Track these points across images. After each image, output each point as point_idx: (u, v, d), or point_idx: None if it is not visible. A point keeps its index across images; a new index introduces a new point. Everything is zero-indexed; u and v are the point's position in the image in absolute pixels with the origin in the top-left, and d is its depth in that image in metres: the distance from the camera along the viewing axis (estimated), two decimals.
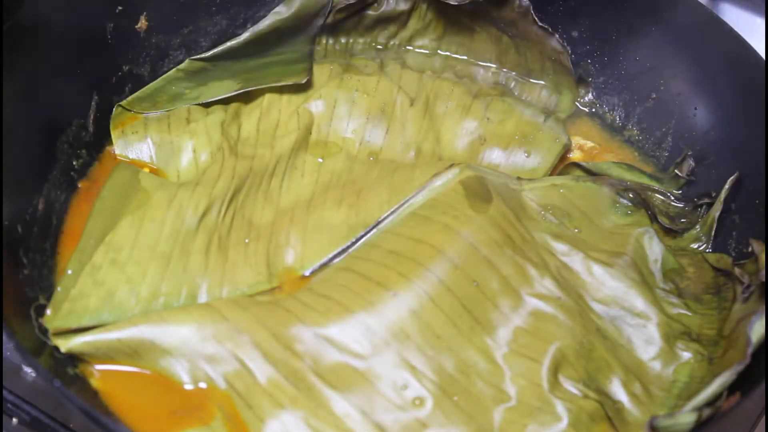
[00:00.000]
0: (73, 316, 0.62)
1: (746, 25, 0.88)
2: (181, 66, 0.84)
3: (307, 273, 0.70)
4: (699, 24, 0.81)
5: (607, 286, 0.70)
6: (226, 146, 0.77)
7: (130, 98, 0.81)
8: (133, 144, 0.78)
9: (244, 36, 0.84)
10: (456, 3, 0.86)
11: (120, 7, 0.78)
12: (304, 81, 0.81)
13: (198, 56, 0.84)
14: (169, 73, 0.84)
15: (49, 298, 0.65)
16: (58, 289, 0.65)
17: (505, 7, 0.85)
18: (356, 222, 0.72)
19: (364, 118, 0.82)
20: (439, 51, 0.92)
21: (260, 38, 0.84)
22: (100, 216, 0.70)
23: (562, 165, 0.84)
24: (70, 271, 0.66)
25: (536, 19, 0.85)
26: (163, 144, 0.77)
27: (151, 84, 0.83)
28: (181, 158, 0.77)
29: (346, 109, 0.82)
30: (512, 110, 0.85)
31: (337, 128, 0.82)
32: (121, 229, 0.68)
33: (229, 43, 0.84)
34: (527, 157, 0.83)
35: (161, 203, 0.71)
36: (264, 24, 0.84)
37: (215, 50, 0.84)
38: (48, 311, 0.63)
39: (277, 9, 0.84)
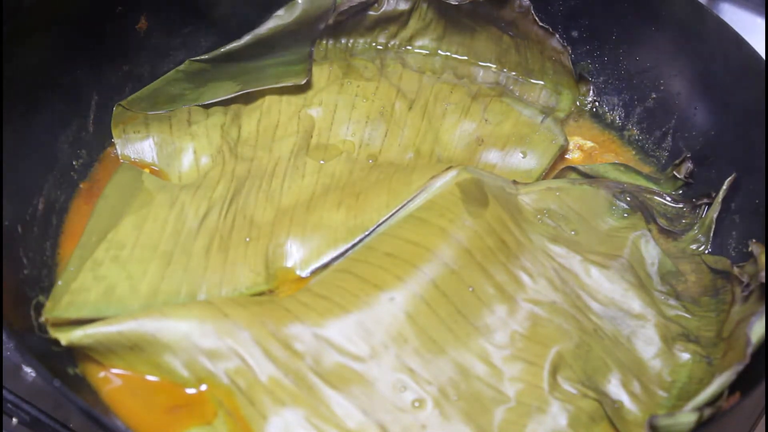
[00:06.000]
0: (72, 308, 0.63)
1: (746, 25, 0.88)
2: (181, 67, 0.84)
3: (305, 274, 0.70)
4: (699, 24, 0.81)
5: (605, 288, 0.70)
6: (226, 149, 0.77)
7: (129, 98, 0.81)
8: (135, 143, 0.78)
9: (246, 38, 0.84)
10: (456, 2, 0.86)
11: (120, 7, 0.78)
12: (303, 82, 0.81)
13: (198, 57, 0.84)
14: (168, 73, 0.84)
15: (48, 298, 0.65)
16: (59, 282, 0.65)
17: (506, 7, 0.85)
18: (355, 224, 0.72)
19: (364, 121, 0.82)
20: (439, 51, 0.92)
21: (261, 41, 0.84)
22: (103, 214, 0.71)
23: (560, 166, 0.84)
24: (71, 268, 0.66)
25: (537, 19, 0.85)
26: (164, 144, 0.77)
27: (151, 84, 0.83)
28: (183, 160, 0.77)
29: (346, 113, 0.82)
30: (510, 111, 0.85)
31: (337, 132, 0.82)
32: (123, 227, 0.69)
33: (229, 46, 0.84)
34: (523, 158, 0.83)
35: (164, 204, 0.71)
36: (265, 27, 0.84)
37: (215, 52, 0.84)
38: (47, 303, 0.63)
39: (278, 12, 0.84)
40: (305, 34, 0.86)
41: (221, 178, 0.75)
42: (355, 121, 0.82)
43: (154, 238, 0.69)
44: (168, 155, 0.77)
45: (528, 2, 0.84)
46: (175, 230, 0.70)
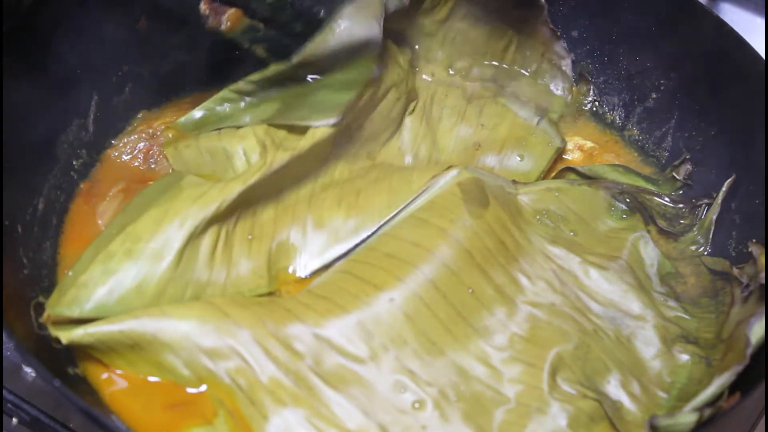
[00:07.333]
0: (76, 304, 0.62)
1: (746, 25, 0.88)
2: (234, 86, 0.77)
3: (307, 275, 0.70)
4: (699, 24, 0.81)
5: (604, 289, 0.70)
6: (269, 142, 0.75)
7: (177, 121, 0.78)
8: (188, 158, 0.77)
9: (298, 57, 0.74)
10: None
11: (120, 7, 0.78)
12: (333, 122, 0.74)
13: (251, 78, 0.76)
14: (217, 95, 0.78)
15: (48, 298, 0.65)
16: (69, 273, 0.64)
17: (525, 7, 0.83)
18: (355, 225, 0.72)
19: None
20: (437, 35, 0.87)
21: (308, 62, 0.75)
22: (130, 210, 0.69)
23: (559, 167, 0.84)
24: (85, 257, 0.65)
25: (549, 20, 0.84)
26: (216, 153, 0.76)
27: (197, 109, 0.78)
28: (236, 163, 0.75)
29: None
30: (506, 113, 0.85)
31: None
32: (143, 221, 0.66)
33: (274, 68, 0.75)
34: (521, 160, 0.83)
35: (189, 199, 0.68)
36: (316, 42, 0.74)
37: (268, 70, 0.75)
38: (53, 294, 0.63)
39: (325, 26, 0.74)
40: (355, 53, 0.75)
41: (259, 169, 0.71)
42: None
43: (170, 234, 0.66)
44: (222, 161, 0.76)
45: (544, 2, 0.82)
46: (192, 224, 0.67)
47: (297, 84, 0.76)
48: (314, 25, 0.75)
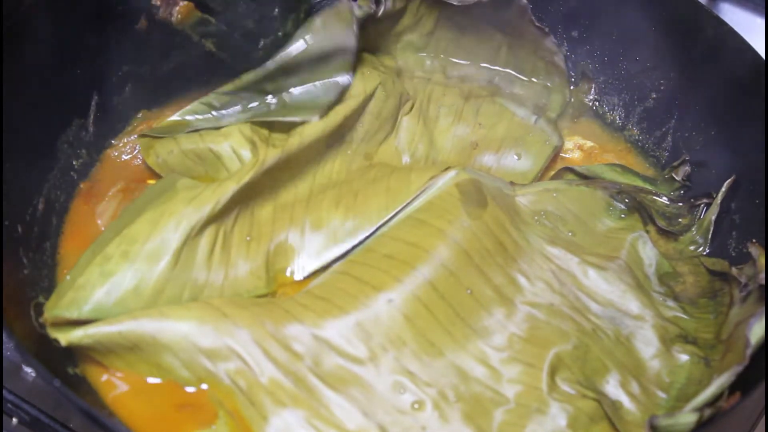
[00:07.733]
0: (74, 306, 0.62)
1: (746, 25, 0.87)
2: (204, 99, 0.79)
3: (305, 276, 0.70)
4: (699, 24, 0.81)
5: (602, 289, 0.70)
6: (258, 139, 0.75)
7: (150, 130, 0.79)
8: (175, 164, 0.76)
9: (270, 65, 0.77)
10: (458, 3, 0.83)
11: (120, 7, 0.78)
12: (316, 119, 0.75)
13: (222, 89, 0.78)
14: (190, 106, 0.79)
15: (48, 298, 0.65)
16: (67, 277, 0.64)
17: (506, 8, 0.84)
18: (353, 226, 0.72)
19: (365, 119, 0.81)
20: (428, 47, 0.89)
21: (287, 67, 0.77)
22: (127, 214, 0.69)
23: (558, 166, 0.84)
24: (83, 261, 0.65)
25: (533, 19, 0.84)
26: (203, 154, 0.76)
27: (170, 120, 0.79)
28: (226, 161, 0.75)
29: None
30: (503, 112, 0.85)
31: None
32: (139, 223, 0.66)
33: (251, 73, 0.77)
34: (518, 159, 0.83)
35: (184, 200, 0.68)
36: (290, 52, 0.76)
37: (239, 81, 0.78)
38: (51, 298, 0.63)
39: (298, 32, 0.77)
40: (328, 60, 0.78)
41: (252, 168, 0.71)
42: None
43: (166, 235, 0.66)
44: (212, 163, 0.75)
45: (525, 1, 0.83)
46: (188, 225, 0.67)
47: (273, 89, 0.77)
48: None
